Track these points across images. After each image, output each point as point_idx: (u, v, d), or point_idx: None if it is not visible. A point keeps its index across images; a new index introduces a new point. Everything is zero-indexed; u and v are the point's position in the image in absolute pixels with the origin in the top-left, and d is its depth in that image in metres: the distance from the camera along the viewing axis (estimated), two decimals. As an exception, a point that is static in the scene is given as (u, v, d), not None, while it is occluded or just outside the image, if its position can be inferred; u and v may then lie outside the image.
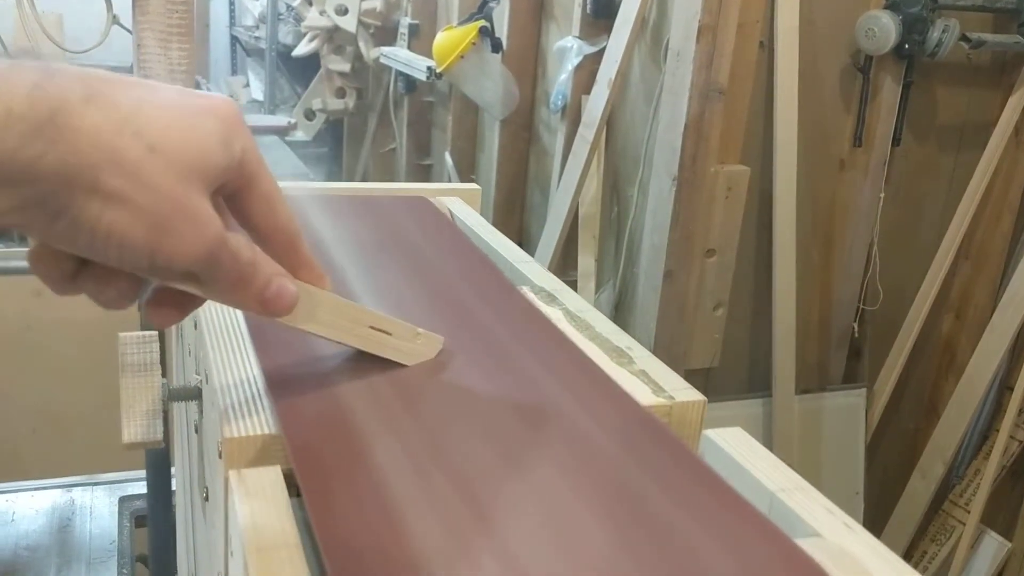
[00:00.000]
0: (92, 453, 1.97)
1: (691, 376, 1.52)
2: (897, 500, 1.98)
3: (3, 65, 0.31)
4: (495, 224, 0.79)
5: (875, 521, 1.97)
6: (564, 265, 1.88)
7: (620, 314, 1.81)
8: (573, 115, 1.85)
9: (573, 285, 1.83)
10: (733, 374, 1.80)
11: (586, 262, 1.86)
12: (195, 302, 0.41)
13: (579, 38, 1.82)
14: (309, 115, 3.00)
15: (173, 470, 1.43)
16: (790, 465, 0.44)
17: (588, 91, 1.77)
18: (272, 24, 3.08)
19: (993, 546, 1.89)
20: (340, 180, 3.11)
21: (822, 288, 1.84)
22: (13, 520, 1.87)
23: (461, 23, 2.14)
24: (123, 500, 1.91)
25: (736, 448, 0.45)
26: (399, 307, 0.57)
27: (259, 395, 0.45)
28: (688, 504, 0.39)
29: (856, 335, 1.89)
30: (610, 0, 1.73)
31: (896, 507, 1.98)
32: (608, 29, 1.72)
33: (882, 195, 1.77)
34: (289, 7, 3.01)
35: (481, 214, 0.82)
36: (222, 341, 0.51)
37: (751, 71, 1.55)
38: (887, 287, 1.86)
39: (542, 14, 2.10)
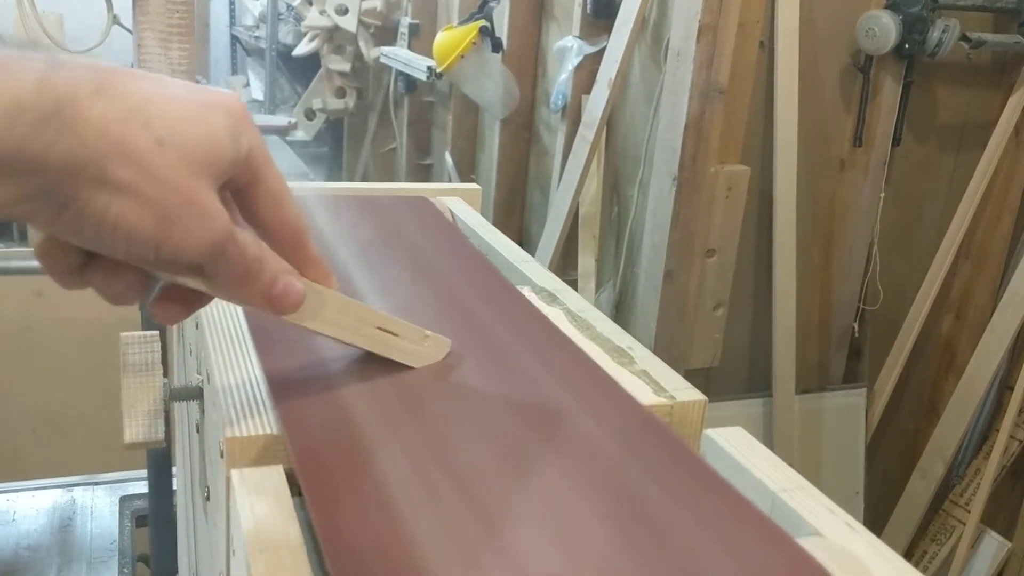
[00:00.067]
0: (93, 453, 1.97)
1: (691, 376, 1.52)
2: (897, 500, 1.98)
3: (11, 56, 0.31)
4: (495, 224, 0.79)
5: (875, 521, 1.97)
6: (564, 265, 1.88)
7: (620, 314, 1.81)
8: (573, 115, 1.85)
9: (573, 285, 1.83)
10: (733, 374, 1.80)
11: (586, 262, 1.86)
12: (201, 300, 0.41)
13: (579, 38, 1.82)
14: (309, 115, 3.00)
15: (174, 470, 1.43)
16: (790, 465, 0.44)
17: (588, 91, 1.77)
18: (272, 24, 3.08)
19: (993, 546, 1.89)
20: (340, 180, 3.11)
21: (822, 288, 1.84)
22: (14, 520, 1.87)
23: (461, 23, 2.14)
24: (124, 500, 1.91)
25: (737, 448, 0.45)
26: (400, 307, 0.57)
27: (261, 395, 0.45)
28: (690, 504, 0.39)
29: (856, 335, 1.89)
30: (610, 0, 1.73)
31: (896, 507, 1.98)
32: (608, 29, 1.72)
33: (882, 195, 1.77)
34: (289, 7, 3.01)
35: (481, 214, 0.82)
36: (224, 340, 0.51)
37: (751, 71, 1.55)
38: (887, 287, 1.86)
39: (542, 14, 2.10)
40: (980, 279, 1.92)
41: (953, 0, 1.66)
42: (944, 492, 1.94)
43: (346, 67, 2.82)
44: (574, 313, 0.60)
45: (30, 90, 0.30)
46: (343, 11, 2.70)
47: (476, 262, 0.68)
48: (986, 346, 1.82)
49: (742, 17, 1.47)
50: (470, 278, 0.64)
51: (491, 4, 2.11)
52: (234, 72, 3.88)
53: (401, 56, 2.54)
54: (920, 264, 1.90)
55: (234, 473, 0.40)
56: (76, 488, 1.99)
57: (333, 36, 2.80)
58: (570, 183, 1.79)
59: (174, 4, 1.43)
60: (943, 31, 1.60)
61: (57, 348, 2.30)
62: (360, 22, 2.72)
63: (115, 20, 1.58)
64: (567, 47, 1.84)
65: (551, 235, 1.88)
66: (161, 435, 0.54)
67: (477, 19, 2.08)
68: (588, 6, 1.77)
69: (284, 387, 0.46)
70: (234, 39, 3.82)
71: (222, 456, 0.42)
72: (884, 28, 1.58)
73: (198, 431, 0.60)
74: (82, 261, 0.36)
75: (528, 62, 2.12)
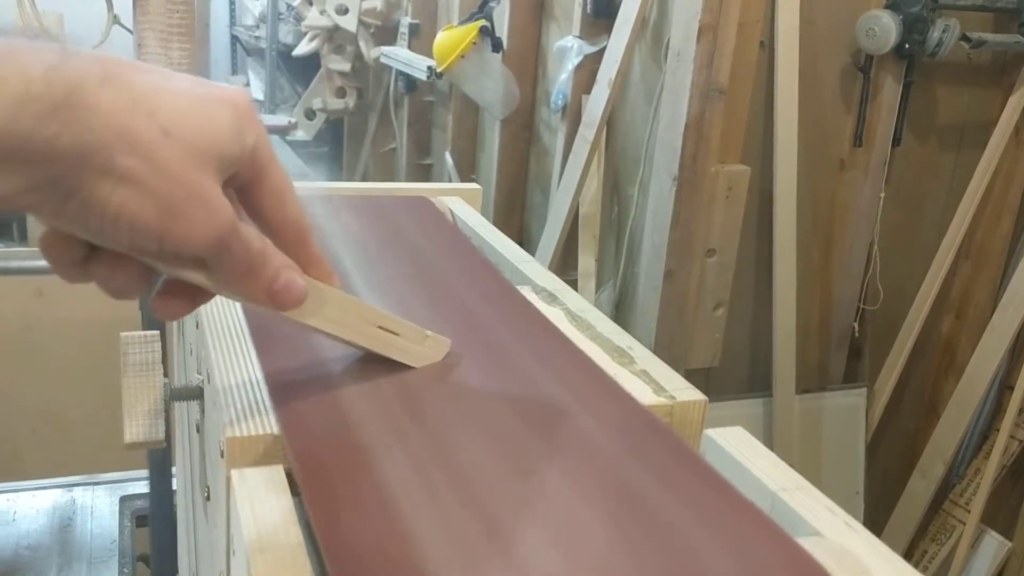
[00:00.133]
0: (93, 453, 1.97)
1: (691, 376, 1.52)
2: (897, 500, 1.98)
3: (20, 45, 0.31)
4: (495, 224, 0.79)
5: (875, 521, 1.97)
6: (564, 265, 1.88)
7: (620, 314, 1.81)
8: (573, 115, 1.85)
9: (573, 285, 1.83)
10: (733, 374, 1.80)
11: (586, 262, 1.86)
12: (204, 295, 0.40)
13: (579, 38, 1.82)
14: (309, 115, 3.00)
15: (174, 470, 1.43)
16: (790, 465, 0.44)
17: (588, 91, 1.77)
18: (272, 24, 3.08)
19: (993, 546, 1.89)
20: (340, 180, 3.11)
21: (822, 288, 1.84)
22: (14, 520, 1.87)
23: (461, 23, 2.14)
24: (124, 500, 1.91)
25: (737, 448, 0.45)
26: (400, 307, 0.57)
27: (261, 395, 0.45)
28: (691, 504, 0.39)
29: (856, 335, 1.89)
30: (610, 0, 1.73)
31: (896, 507, 1.98)
32: (608, 29, 1.72)
33: (882, 195, 1.77)
34: (289, 7, 3.01)
35: (481, 214, 0.82)
36: (224, 340, 0.51)
37: (751, 71, 1.55)
38: (887, 287, 1.86)
39: (542, 14, 2.10)
40: (980, 279, 1.92)
41: (953, 0, 1.66)
42: (944, 492, 1.94)
43: (346, 67, 2.82)
44: (574, 313, 0.60)
45: (39, 80, 0.30)
46: (343, 11, 2.70)
47: (476, 262, 0.68)
48: (986, 346, 1.82)
49: (742, 17, 1.47)
50: (470, 278, 0.64)
51: (491, 4, 2.11)
52: (234, 72, 3.88)
53: (401, 56, 2.54)
54: (920, 264, 1.90)
55: (234, 473, 0.40)
56: (76, 488, 1.99)
57: (333, 36, 2.80)
58: (570, 183, 1.79)
59: (174, 4, 1.43)
60: (943, 31, 1.60)
61: (57, 348, 2.30)
62: (360, 22, 2.72)
63: (115, 20, 1.58)
64: (567, 47, 1.84)
65: (551, 235, 1.88)
66: (161, 435, 0.54)
67: (477, 19, 2.08)
68: (588, 6, 1.77)
69: (284, 387, 0.46)
70: (234, 39, 3.82)
71: (222, 456, 0.42)
72: (884, 28, 1.58)
73: (198, 431, 0.60)
74: (85, 254, 0.36)
75: (528, 62, 2.12)
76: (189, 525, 0.80)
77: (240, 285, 0.39)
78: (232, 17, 3.78)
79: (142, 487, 1.77)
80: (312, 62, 2.90)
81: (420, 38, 2.58)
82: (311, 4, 2.76)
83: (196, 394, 0.55)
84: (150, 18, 1.42)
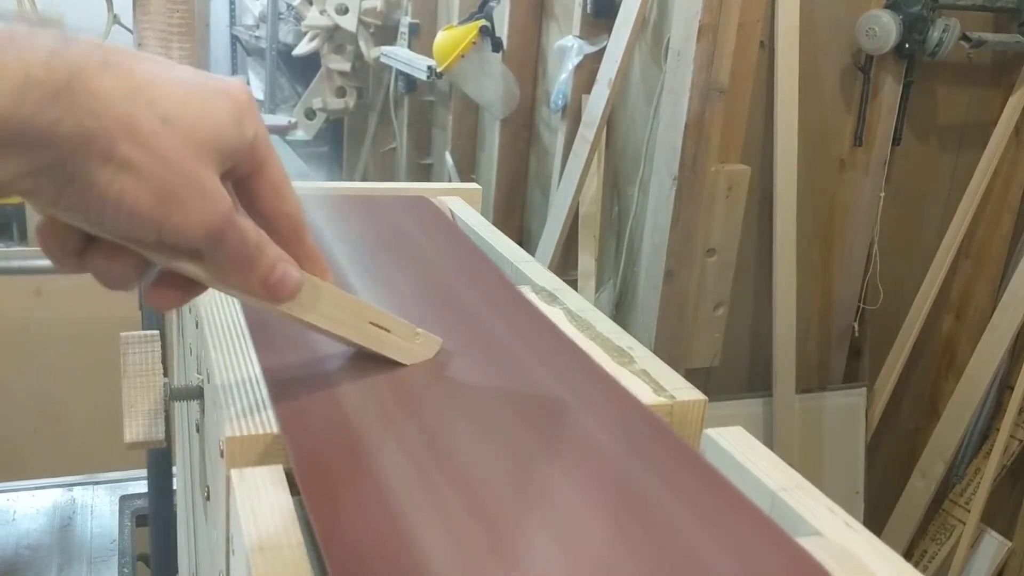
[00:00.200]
0: (93, 452, 1.97)
1: (691, 375, 1.52)
2: (897, 499, 1.98)
3: (21, 31, 0.31)
4: (495, 224, 0.79)
5: (875, 520, 1.97)
6: (564, 264, 1.88)
7: (620, 313, 1.81)
8: (573, 114, 1.85)
9: (573, 284, 1.83)
10: (733, 373, 1.80)
11: (586, 261, 1.86)
12: (198, 287, 0.40)
13: (579, 37, 1.82)
14: (309, 114, 3.00)
15: (174, 469, 1.43)
16: (790, 464, 0.44)
17: (588, 90, 1.77)
18: (272, 23, 3.08)
19: (993, 545, 1.89)
20: (340, 179, 3.10)
21: (822, 288, 1.84)
22: (14, 519, 1.87)
23: (461, 22, 2.14)
24: (124, 499, 1.91)
25: (737, 447, 0.45)
26: (401, 307, 0.57)
27: (261, 394, 0.45)
28: (690, 503, 0.39)
29: (856, 335, 1.89)
30: (610, 0, 1.73)
31: (896, 506, 1.98)
32: (608, 28, 1.72)
33: (882, 195, 1.77)
34: (289, 6, 3.01)
35: (481, 214, 0.82)
36: (224, 340, 0.51)
37: (751, 71, 1.55)
38: (887, 287, 1.86)
39: (542, 13, 2.10)
40: (980, 279, 1.92)
41: (953, 0, 1.66)
42: (944, 492, 1.94)
43: (346, 67, 2.82)
44: (574, 313, 0.60)
45: (40, 65, 0.30)
46: (343, 11, 2.70)
47: (477, 261, 0.68)
48: (986, 346, 1.82)
49: (742, 17, 1.47)
50: (471, 278, 0.64)
51: (491, 3, 2.11)
52: (234, 72, 3.88)
53: (401, 56, 2.54)
54: (920, 264, 1.90)
55: (234, 473, 0.40)
56: (76, 488, 1.99)
57: (333, 36, 2.80)
58: (570, 183, 1.79)
59: (174, 4, 1.43)
60: (943, 31, 1.60)
61: (57, 348, 2.30)
62: (360, 22, 2.72)
63: (115, 19, 1.58)
64: (567, 46, 1.84)
65: (551, 235, 1.88)
66: (161, 435, 0.54)
67: (477, 19, 2.08)
68: (588, 5, 1.77)
69: (284, 386, 0.46)
70: (234, 39, 3.82)
71: (222, 456, 0.42)
72: (884, 28, 1.58)
73: (198, 431, 0.60)
74: (81, 244, 0.36)
75: (528, 62, 2.12)
76: (189, 525, 0.80)
77: (236, 276, 0.39)
78: (232, 17, 3.78)
79: (142, 487, 1.77)
80: (312, 62, 2.90)
81: (420, 38, 2.58)
82: (311, 4, 2.76)
83: (196, 394, 0.55)
84: (150, 17, 1.42)
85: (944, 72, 1.76)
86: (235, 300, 0.55)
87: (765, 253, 1.72)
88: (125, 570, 1.69)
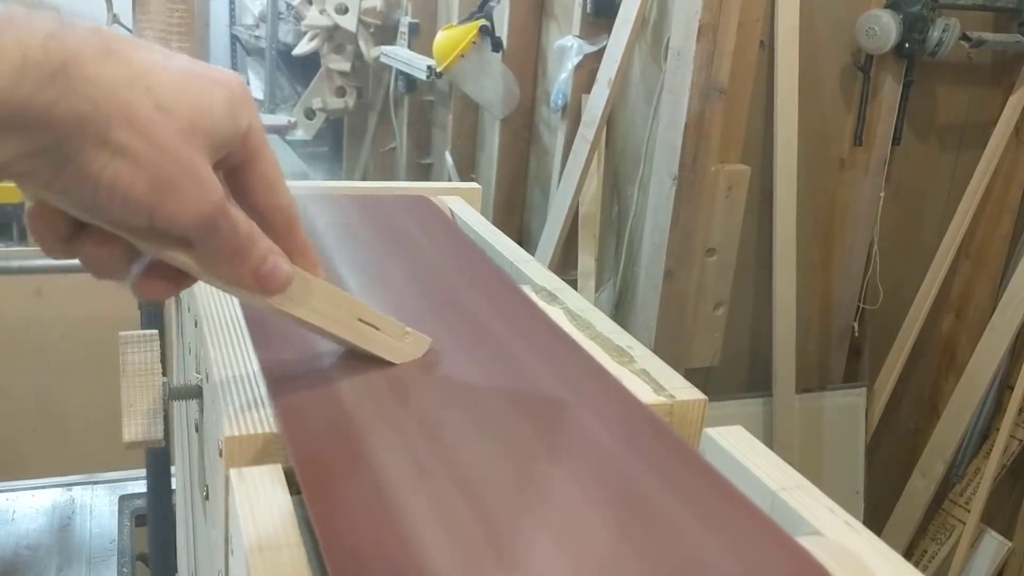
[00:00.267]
0: (92, 452, 1.97)
1: (691, 375, 1.52)
2: (897, 499, 1.98)
3: (19, 12, 0.31)
4: (495, 223, 0.79)
5: (875, 520, 1.97)
6: (564, 264, 1.88)
7: (620, 313, 1.80)
8: (573, 114, 1.85)
9: (573, 284, 1.83)
10: (733, 373, 1.80)
11: (586, 261, 1.86)
12: (187, 279, 0.40)
13: (579, 37, 1.82)
14: (309, 114, 3.00)
15: (173, 469, 1.43)
16: (790, 464, 0.44)
17: (588, 90, 1.77)
18: (272, 23, 3.08)
19: (993, 545, 1.89)
20: (340, 179, 3.10)
21: (822, 287, 1.84)
22: (13, 519, 1.87)
23: (461, 22, 2.14)
24: (123, 499, 1.91)
25: (737, 447, 0.45)
26: (401, 306, 0.57)
27: (260, 393, 0.45)
28: (690, 503, 0.39)
29: (856, 334, 1.89)
30: (610, -1, 1.73)
31: (896, 506, 1.98)
32: (608, 28, 1.71)
33: (882, 194, 1.77)
34: (289, 6, 3.01)
35: (481, 213, 0.82)
36: (223, 339, 0.51)
37: (751, 70, 1.55)
38: (887, 286, 1.86)
39: (542, 13, 2.10)
40: (980, 279, 1.92)
41: (953, 0, 1.66)
42: (944, 491, 1.94)
43: (346, 66, 2.82)
44: (574, 312, 0.60)
45: (37, 47, 0.30)
46: (343, 10, 2.70)
47: (477, 261, 0.68)
48: (986, 346, 1.82)
49: (742, 16, 1.47)
50: (471, 277, 0.64)
51: (491, 3, 2.11)
52: (234, 71, 3.88)
53: (401, 55, 2.54)
54: (920, 264, 1.90)
55: (233, 472, 0.40)
56: (75, 487, 1.99)
57: (333, 35, 2.80)
58: (570, 182, 1.79)
59: (174, 3, 1.43)
60: (943, 30, 1.60)
61: (56, 347, 2.30)
62: (360, 21, 2.72)
63: (115, 19, 1.58)
64: (567, 46, 1.84)
65: (551, 234, 1.87)
66: (160, 434, 0.54)
67: (477, 18, 2.08)
68: (588, 5, 1.77)
69: (283, 385, 0.46)
70: (234, 38, 3.82)
71: (221, 455, 0.42)
72: (884, 27, 1.58)
73: (197, 430, 0.60)
74: (72, 230, 0.36)
75: (528, 61, 2.12)
76: (188, 524, 0.80)
77: (226, 267, 0.39)
78: (232, 16, 3.78)
79: (141, 486, 1.77)
80: (312, 61, 2.90)
81: (420, 37, 2.58)
82: (311, 3, 2.76)
83: (195, 393, 0.55)
84: (150, 17, 1.42)
85: (944, 72, 1.76)
86: (234, 299, 0.55)
87: (765, 253, 1.72)
88: (124, 570, 1.69)
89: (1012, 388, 1.82)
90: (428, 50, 2.30)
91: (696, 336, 1.67)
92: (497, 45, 2.07)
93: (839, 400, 1.89)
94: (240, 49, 3.82)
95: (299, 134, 3.00)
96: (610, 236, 1.86)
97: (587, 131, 1.74)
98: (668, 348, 1.61)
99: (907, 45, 1.61)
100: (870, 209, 1.78)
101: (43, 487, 1.99)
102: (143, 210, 0.34)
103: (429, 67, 2.31)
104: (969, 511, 1.87)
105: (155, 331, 0.57)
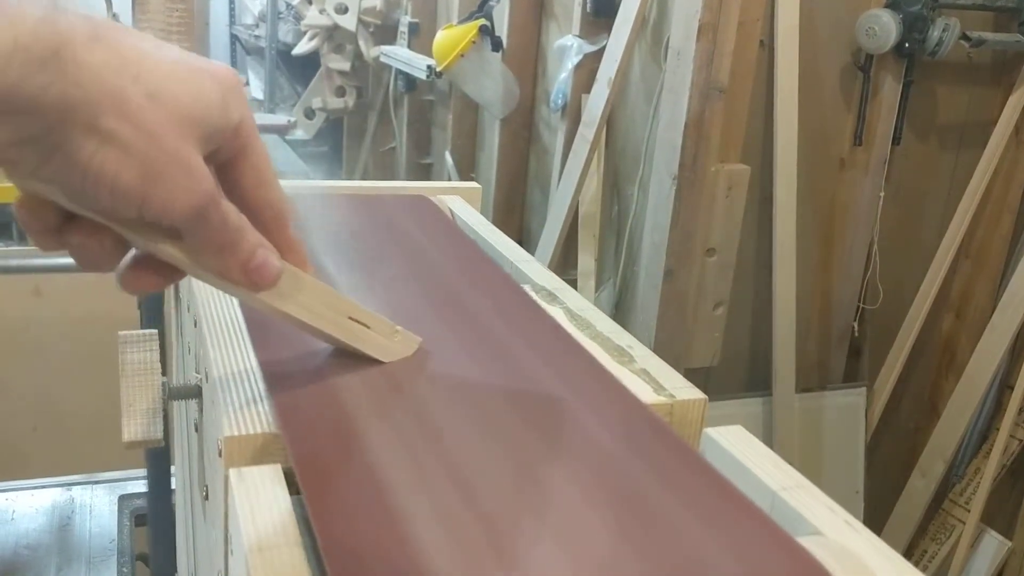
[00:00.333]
0: (92, 452, 1.97)
1: (691, 375, 1.52)
2: (897, 499, 1.98)
3: None
4: (495, 223, 0.79)
5: (875, 520, 1.97)
6: (564, 264, 1.88)
7: (620, 313, 1.80)
8: (573, 114, 1.85)
9: (573, 284, 1.83)
10: (733, 373, 1.80)
11: (586, 261, 1.86)
12: (176, 273, 0.40)
13: (579, 37, 1.82)
14: (309, 114, 3.00)
15: (173, 469, 1.43)
16: (790, 464, 0.44)
17: (588, 90, 1.77)
18: (272, 23, 3.08)
19: (993, 545, 1.89)
20: (340, 179, 3.10)
21: (822, 287, 1.84)
22: (13, 519, 1.87)
23: (461, 22, 2.14)
24: (123, 499, 1.91)
25: (737, 447, 0.45)
26: (400, 306, 0.57)
27: (259, 393, 0.45)
28: (690, 502, 0.39)
29: (856, 334, 1.89)
30: (610, -1, 1.73)
31: (896, 506, 1.98)
32: (608, 28, 1.71)
33: (882, 194, 1.77)
34: (289, 5, 3.01)
35: (481, 213, 0.82)
36: (222, 339, 0.51)
37: (751, 70, 1.55)
38: (887, 286, 1.86)
39: (542, 13, 2.10)
40: (980, 278, 1.92)
41: (953, -1, 1.66)
42: (944, 491, 1.94)
43: (346, 66, 2.82)
44: (574, 312, 0.60)
45: (28, 32, 0.30)
46: (343, 10, 2.70)
47: (477, 261, 0.68)
48: (986, 345, 1.82)
49: (742, 16, 1.47)
50: (471, 277, 0.64)
51: (491, 3, 2.11)
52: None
53: (401, 55, 2.54)
54: (920, 263, 1.90)
55: (232, 472, 0.40)
56: (75, 487, 1.99)
57: (333, 35, 2.80)
58: (570, 182, 1.79)
59: (174, 3, 1.43)
60: (943, 30, 1.60)
61: (56, 347, 2.30)
62: (360, 21, 2.72)
63: (114, 18, 1.58)
64: (567, 46, 1.84)
65: (551, 234, 1.87)
66: (160, 434, 0.54)
67: (477, 18, 2.08)
68: (588, 5, 1.77)
69: (282, 385, 0.46)
70: (234, 38, 3.82)
71: (220, 455, 0.42)
72: (884, 27, 1.58)
73: (197, 430, 0.60)
74: (60, 221, 0.36)
75: (528, 61, 2.12)
76: (188, 524, 0.80)
77: (215, 260, 0.38)
78: (232, 16, 3.78)
79: (141, 486, 1.77)
80: (312, 61, 2.90)
81: (420, 37, 2.58)
82: (310, 3, 2.76)
83: (194, 393, 0.55)
84: (149, 16, 1.42)
85: (944, 71, 1.76)
86: (234, 300, 0.54)
87: (765, 253, 1.72)
88: (124, 569, 1.69)
89: (1012, 388, 1.82)
90: (428, 50, 2.30)
91: (696, 336, 1.67)
92: (497, 45, 2.07)
93: (839, 400, 1.89)
94: (240, 49, 3.82)
95: (299, 134, 3.00)
96: (610, 236, 1.86)
97: (587, 131, 1.74)
98: (668, 348, 1.61)
99: (907, 45, 1.61)
100: (870, 209, 1.78)
101: (43, 487, 1.99)
102: (132, 199, 0.34)
103: (429, 67, 2.31)
104: (969, 511, 1.87)
105: (154, 331, 0.56)
